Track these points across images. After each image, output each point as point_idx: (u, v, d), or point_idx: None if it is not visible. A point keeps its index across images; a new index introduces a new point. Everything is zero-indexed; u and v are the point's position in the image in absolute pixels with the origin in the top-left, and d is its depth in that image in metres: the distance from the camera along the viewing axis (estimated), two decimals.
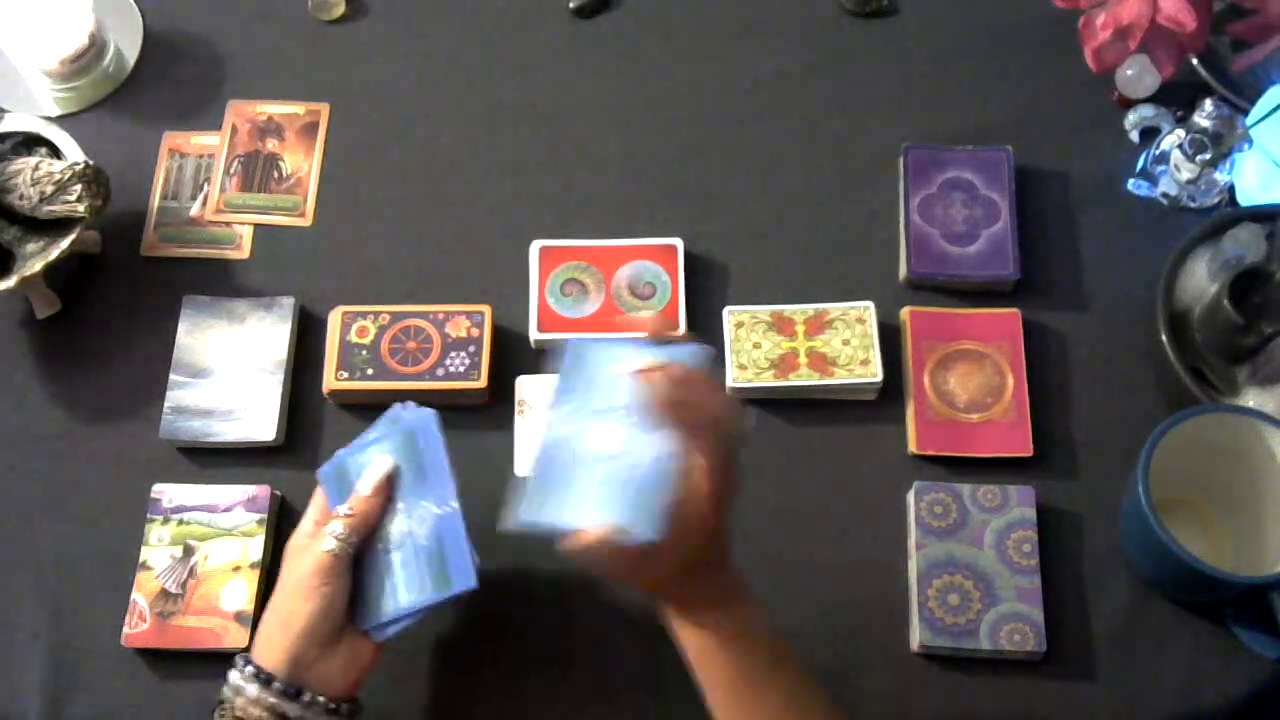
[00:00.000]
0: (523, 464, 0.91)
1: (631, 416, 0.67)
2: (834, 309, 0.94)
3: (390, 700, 0.84)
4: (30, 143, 0.97)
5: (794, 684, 0.72)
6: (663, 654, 0.73)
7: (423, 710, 0.85)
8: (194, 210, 1.02)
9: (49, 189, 0.91)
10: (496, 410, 0.93)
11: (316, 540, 0.77)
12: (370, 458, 0.81)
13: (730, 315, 0.95)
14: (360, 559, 0.78)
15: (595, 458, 0.68)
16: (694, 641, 0.70)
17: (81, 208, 0.91)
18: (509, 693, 0.85)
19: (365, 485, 0.79)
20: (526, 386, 0.93)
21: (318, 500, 0.81)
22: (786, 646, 0.72)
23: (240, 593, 0.87)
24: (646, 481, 0.66)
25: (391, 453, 0.80)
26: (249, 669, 0.73)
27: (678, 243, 0.98)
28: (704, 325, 0.96)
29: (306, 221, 1.02)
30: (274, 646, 0.74)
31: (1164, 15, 0.94)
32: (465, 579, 0.77)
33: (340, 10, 1.10)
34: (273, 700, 0.72)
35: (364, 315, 0.95)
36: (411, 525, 0.79)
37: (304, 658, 0.74)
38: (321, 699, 0.74)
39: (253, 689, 0.72)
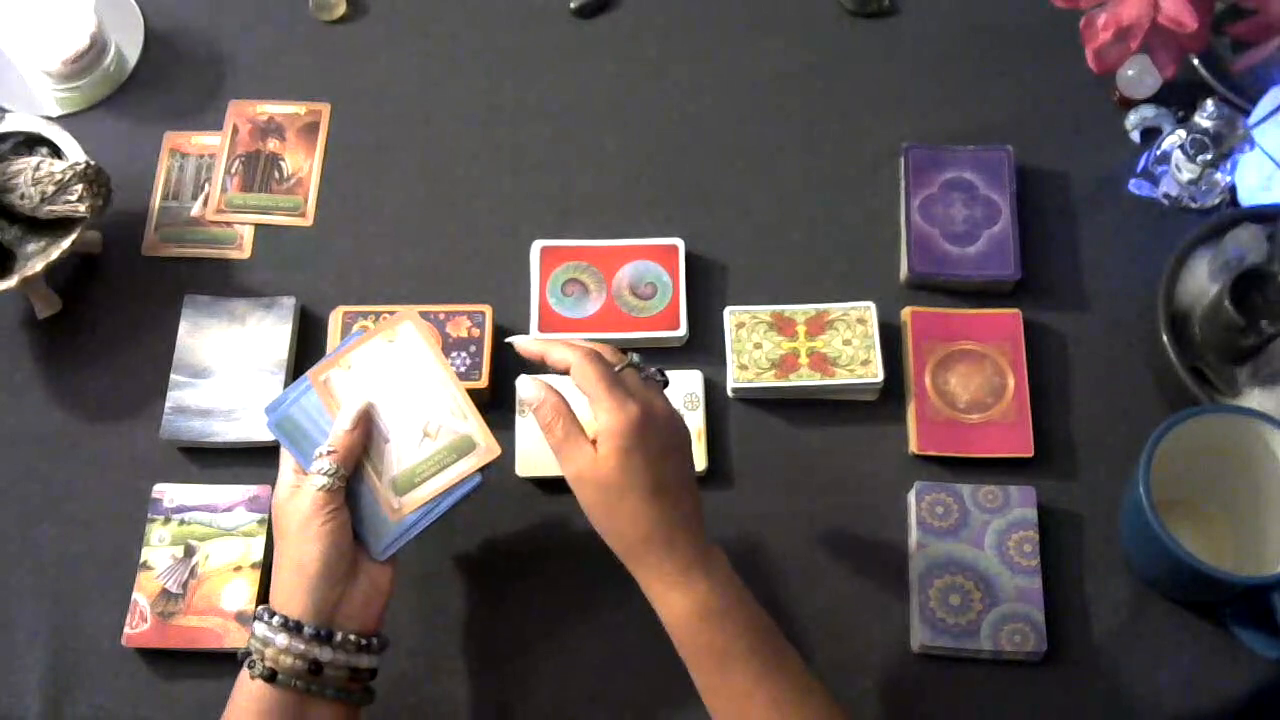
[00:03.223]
0: (524, 464, 0.91)
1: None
2: (835, 309, 0.94)
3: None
4: (31, 142, 0.97)
5: (766, 668, 0.72)
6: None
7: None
8: (195, 210, 1.02)
9: (50, 189, 0.91)
10: (497, 410, 0.93)
11: (305, 484, 0.77)
12: (315, 398, 0.80)
13: (731, 315, 0.95)
14: (352, 493, 0.78)
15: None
16: (663, 614, 0.73)
17: (82, 207, 0.91)
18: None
19: (345, 420, 0.79)
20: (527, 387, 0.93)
21: (286, 455, 0.80)
22: (766, 631, 0.73)
23: (241, 593, 0.87)
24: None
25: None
26: (275, 619, 0.73)
27: (678, 243, 0.98)
28: (704, 325, 0.96)
29: (307, 222, 1.02)
30: (294, 593, 0.74)
31: (1165, 15, 0.94)
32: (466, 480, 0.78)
33: (341, 10, 1.10)
34: (303, 646, 0.73)
35: (364, 315, 0.95)
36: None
37: (327, 598, 0.74)
38: (352, 637, 0.74)
39: (281, 638, 0.73)
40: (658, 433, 0.73)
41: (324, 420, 0.80)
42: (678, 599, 0.72)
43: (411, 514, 0.79)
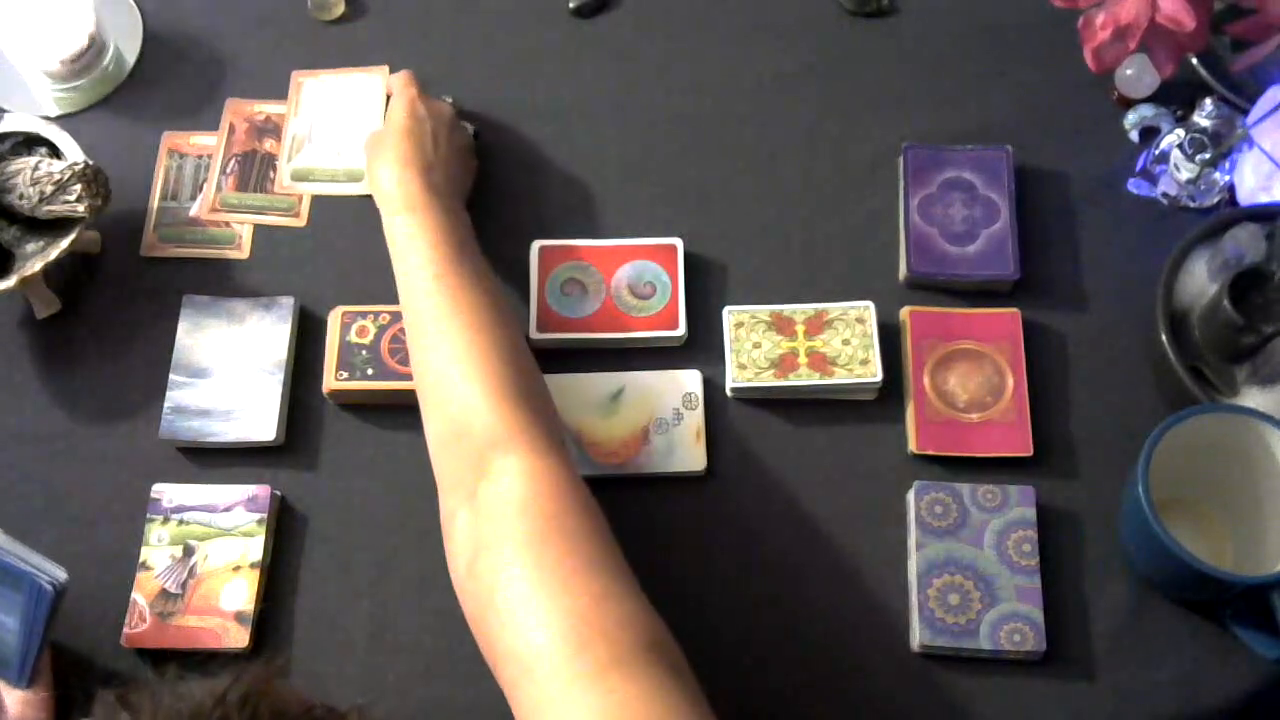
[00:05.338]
0: None
1: None
2: (834, 309, 0.94)
3: None
4: (30, 142, 0.97)
5: (443, 279, 0.84)
6: None
7: None
8: (194, 210, 1.02)
9: (49, 189, 0.91)
10: None
11: None
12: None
13: (730, 315, 0.95)
14: None
15: None
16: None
17: (81, 207, 0.91)
18: None
19: None
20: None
21: None
22: (452, 261, 0.85)
23: (240, 593, 0.87)
24: None
25: None
26: None
27: (678, 243, 0.98)
28: (704, 325, 0.96)
29: (301, 221, 1.02)
30: None
31: (1163, 15, 0.94)
32: (48, 572, 0.76)
33: (340, 10, 1.10)
34: None
35: (364, 315, 0.95)
36: None
37: None
38: None
39: None
40: (435, 114, 0.93)
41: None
42: (395, 224, 0.87)
43: (16, 628, 0.76)
